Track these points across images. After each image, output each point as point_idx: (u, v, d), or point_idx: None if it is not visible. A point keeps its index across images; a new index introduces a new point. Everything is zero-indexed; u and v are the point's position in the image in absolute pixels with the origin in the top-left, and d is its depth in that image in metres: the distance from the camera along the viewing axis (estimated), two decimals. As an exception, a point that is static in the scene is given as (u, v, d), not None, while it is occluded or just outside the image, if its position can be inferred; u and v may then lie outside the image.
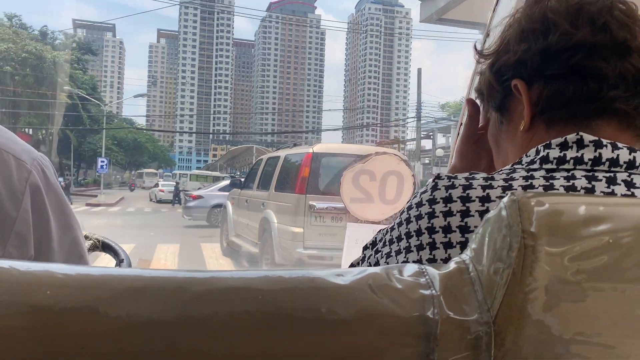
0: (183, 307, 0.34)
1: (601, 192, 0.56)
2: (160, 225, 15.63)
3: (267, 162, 7.72)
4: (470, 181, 0.59)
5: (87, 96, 32.72)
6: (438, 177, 0.62)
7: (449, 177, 0.61)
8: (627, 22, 0.60)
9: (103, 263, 0.84)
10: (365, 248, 0.73)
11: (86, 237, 1.17)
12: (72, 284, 0.35)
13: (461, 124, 1.20)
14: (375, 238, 0.71)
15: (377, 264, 0.67)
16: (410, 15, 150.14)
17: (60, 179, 29.54)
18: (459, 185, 0.59)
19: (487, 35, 1.40)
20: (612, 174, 0.57)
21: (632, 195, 0.56)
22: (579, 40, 0.60)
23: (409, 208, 0.63)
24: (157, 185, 30.45)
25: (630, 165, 0.58)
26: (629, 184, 0.57)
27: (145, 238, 11.53)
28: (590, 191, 0.56)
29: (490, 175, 0.60)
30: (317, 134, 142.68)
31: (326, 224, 5.90)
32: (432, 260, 0.59)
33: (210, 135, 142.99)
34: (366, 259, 0.71)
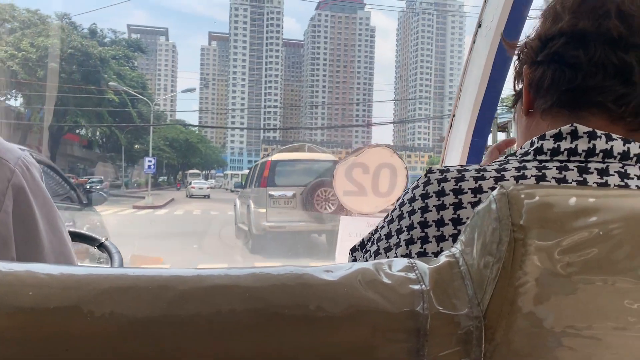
0: (168, 305, 0.34)
1: (594, 182, 0.56)
2: (207, 234, 13.56)
3: (254, 166, 11.02)
4: (462, 173, 0.60)
5: (134, 93, 31.61)
6: (430, 171, 0.62)
7: (441, 171, 0.61)
8: (630, 11, 0.59)
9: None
10: (353, 250, 0.73)
11: (86, 237, 1.23)
12: (55, 284, 0.34)
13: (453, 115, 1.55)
14: (364, 239, 0.71)
15: None
16: (463, 10, 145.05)
17: (98, 183, 28.46)
18: (452, 178, 0.60)
19: (479, 25, 1.45)
20: (604, 165, 0.57)
21: (626, 185, 0.56)
22: (564, 26, 0.61)
23: (401, 205, 0.63)
24: (190, 183, 35.29)
25: (625, 156, 0.57)
26: (623, 175, 0.56)
27: (185, 253, 9.15)
28: (582, 183, 0.56)
29: (482, 167, 0.60)
30: (367, 128, 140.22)
31: (280, 206, 9.05)
32: (422, 254, 0.59)
33: (261, 136, 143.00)
34: (354, 261, 0.71)
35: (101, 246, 1.23)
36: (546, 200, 0.37)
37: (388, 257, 0.62)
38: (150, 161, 25.58)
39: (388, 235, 0.64)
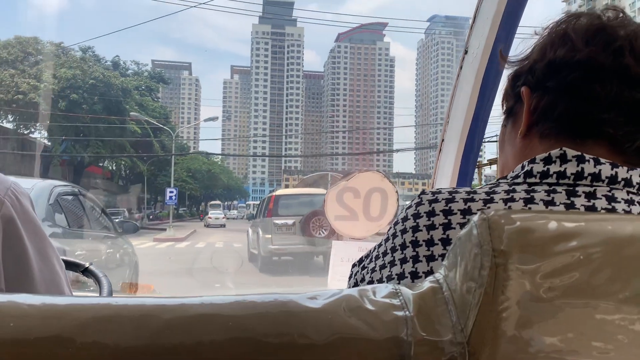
0: (152, 335, 0.33)
1: (582, 205, 0.57)
2: (229, 270, 12.57)
3: (262, 200, 13.65)
4: (453, 195, 0.61)
5: (156, 123, 31.28)
6: (423, 192, 0.64)
7: (433, 192, 0.63)
8: None
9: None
10: (353, 265, 0.74)
11: (71, 263, 1.20)
12: (36, 314, 0.34)
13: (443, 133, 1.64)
14: (363, 256, 0.72)
15: (362, 279, 0.68)
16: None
17: (118, 216, 27.92)
18: (442, 199, 0.61)
19: (465, 52, 1.47)
20: (592, 189, 0.58)
21: (613, 209, 0.57)
22: (581, 58, 0.61)
23: (395, 224, 0.65)
24: (207, 213, 38.80)
25: (612, 180, 0.58)
26: (610, 198, 0.57)
27: (207, 292, 8.33)
28: (570, 206, 0.57)
29: (473, 190, 0.61)
30: (388, 155, 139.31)
31: (283, 232, 10.90)
32: (414, 274, 0.60)
33: (282, 166, 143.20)
34: (353, 275, 0.72)
35: (86, 271, 1.23)
36: (527, 225, 0.37)
37: (382, 275, 0.64)
38: (171, 192, 24.89)
39: (384, 253, 0.65)
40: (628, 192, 0.59)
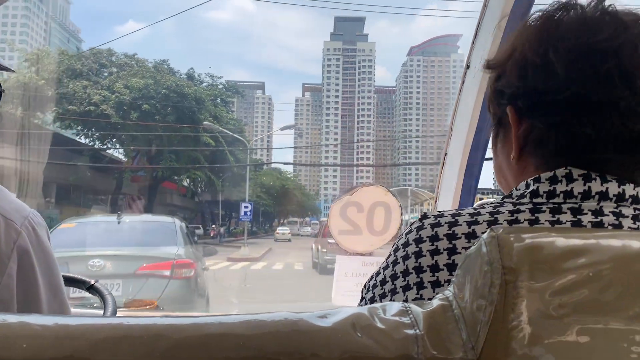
0: (163, 355, 0.33)
1: (589, 222, 0.56)
2: (313, 298, 10.13)
3: (321, 222, 18.61)
4: (456, 218, 0.60)
5: (230, 132, 29.72)
6: (424, 216, 0.62)
7: (435, 216, 0.61)
8: (634, 69, 0.56)
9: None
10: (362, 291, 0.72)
11: (76, 280, 1.20)
12: (48, 335, 0.34)
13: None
14: (362, 288, 0.70)
15: None
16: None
17: (196, 232, 26.59)
18: (445, 223, 0.60)
19: (467, 67, 1.49)
20: (599, 206, 0.57)
21: (620, 224, 0.56)
22: (569, 96, 0.57)
23: (395, 250, 0.63)
24: (276, 230, 42.89)
25: (620, 198, 0.57)
26: (617, 214, 0.56)
27: None
28: (576, 224, 0.56)
29: (476, 211, 0.60)
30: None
31: (334, 247, 11.30)
32: (419, 300, 0.59)
33: (354, 182, 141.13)
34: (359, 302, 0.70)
35: (91, 288, 1.22)
36: (536, 243, 0.37)
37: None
38: (246, 207, 23.06)
39: (383, 282, 0.63)
40: (635, 209, 0.58)
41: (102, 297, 1.18)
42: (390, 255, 0.65)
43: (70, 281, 1.20)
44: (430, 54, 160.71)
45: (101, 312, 1.18)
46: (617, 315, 0.36)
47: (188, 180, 32.61)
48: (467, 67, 1.49)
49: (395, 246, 0.64)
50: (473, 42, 1.48)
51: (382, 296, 0.62)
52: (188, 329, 0.35)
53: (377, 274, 0.66)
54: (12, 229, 0.75)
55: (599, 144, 0.58)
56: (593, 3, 0.61)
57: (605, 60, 0.56)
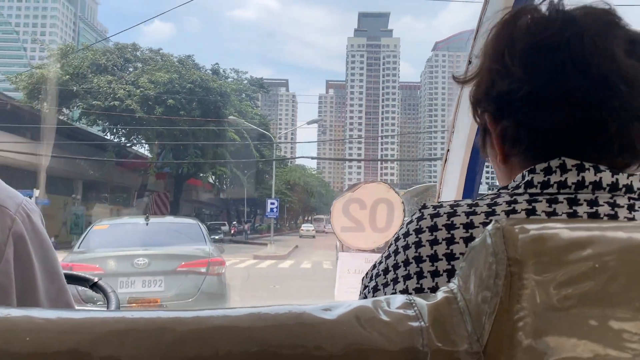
0: (167, 348, 0.33)
1: (584, 213, 0.57)
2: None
3: None
4: (454, 208, 0.61)
5: (255, 127, 28.82)
6: (424, 206, 0.64)
7: (434, 206, 0.63)
8: (586, 58, 0.58)
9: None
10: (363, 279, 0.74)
11: (79, 278, 1.22)
12: (52, 328, 0.34)
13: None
14: (364, 277, 0.72)
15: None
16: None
17: (218, 231, 26.17)
18: (444, 213, 0.61)
19: (469, 62, 1.47)
20: (594, 196, 0.58)
21: (616, 215, 0.57)
22: (525, 94, 0.59)
23: (396, 239, 0.65)
24: (300, 227, 43.93)
25: (614, 187, 0.58)
26: (612, 204, 0.57)
27: None
28: (572, 214, 0.57)
29: (474, 202, 0.61)
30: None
31: None
32: (419, 290, 0.60)
33: (378, 177, 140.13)
34: (361, 292, 0.72)
35: (94, 286, 1.22)
36: (541, 234, 0.37)
37: (386, 294, 0.63)
38: (272, 203, 22.52)
39: (385, 271, 0.65)
40: (629, 198, 0.58)
41: (106, 295, 1.19)
42: (391, 244, 0.66)
43: (73, 279, 1.20)
44: (456, 49, 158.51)
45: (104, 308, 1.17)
46: (622, 307, 0.36)
47: (213, 177, 32.26)
48: (469, 62, 1.49)
49: (396, 236, 0.65)
50: (475, 38, 1.48)
51: (385, 285, 0.64)
52: (192, 322, 0.35)
53: (380, 262, 0.67)
54: (6, 216, 0.75)
55: (569, 132, 0.59)
56: (546, 4, 0.63)
57: (557, 54, 0.58)
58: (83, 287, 1.23)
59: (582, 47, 0.58)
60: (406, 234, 0.63)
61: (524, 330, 0.35)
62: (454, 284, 0.39)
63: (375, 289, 0.65)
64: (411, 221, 0.63)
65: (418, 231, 0.61)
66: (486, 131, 0.69)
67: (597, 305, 0.36)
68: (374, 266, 0.68)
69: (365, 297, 0.67)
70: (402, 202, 2.28)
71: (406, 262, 0.61)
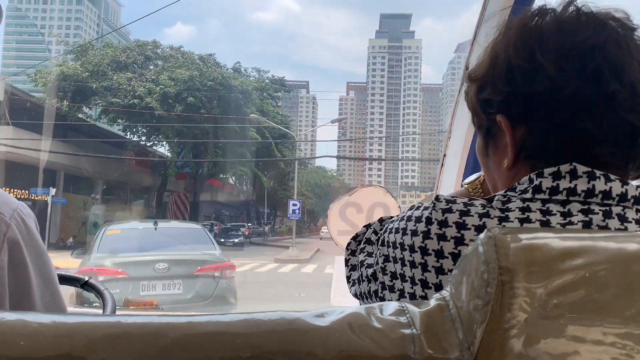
0: (160, 354, 0.34)
1: (597, 225, 0.56)
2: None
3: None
4: (468, 207, 0.59)
5: (277, 125, 28.01)
6: (437, 199, 0.62)
7: (448, 201, 0.60)
8: (621, 63, 0.57)
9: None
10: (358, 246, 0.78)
11: (69, 278, 1.19)
12: (46, 332, 0.34)
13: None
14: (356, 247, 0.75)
15: (374, 275, 0.68)
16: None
17: (238, 233, 25.41)
18: (457, 210, 0.59)
19: (467, 68, 1.44)
20: (607, 208, 0.57)
21: (626, 229, 0.56)
22: (568, 95, 0.57)
23: (408, 219, 0.62)
24: (321, 229, 42.01)
25: (622, 198, 0.57)
26: (622, 218, 0.57)
27: None
28: (587, 225, 0.56)
29: (487, 203, 0.59)
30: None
31: None
32: (423, 282, 0.59)
33: (399, 182, 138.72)
34: (359, 267, 0.73)
35: (85, 285, 1.21)
36: (532, 243, 0.38)
37: (395, 269, 0.63)
38: (295, 204, 21.71)
39: (394, 245, 0.64)
40: (637, 211, 0.58)
41: (99, 293, 1.19)
42: (402, 220, 0.64)
43: (64, 279, 1.18)
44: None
45: (100, 311, 1.17)
46: (613, 316, 0.37)
47: (233, 177, 31.67)
48: (467, 68, 1.46)
49: (408, 214, 0.63)
50: (472, 44, 1.48)
51: (395, 261, 0.63)
52: (185, 327, 0.35)
53: (385, 231, 0.67)
54: (1, 222, 0.75)
55: (598, 139, 0.58)
56: (564, 6, 0.61)
57: (593, 57, 0.57)
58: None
59: (616, 52, 0.57)
60: (418, 219, 0.61)
61: (515, 339, 0.35)
62: (446, 292, 0.39)
63: (384, 270, 0.64)
64: (425, 208, 0.61)
65: (428, 221, 0.59)
66: (490, 134, 0.66)
67: (588, 314, 0.36)
68: (374, 231, 0.70)
69: (374, 274, 0.67)
70: (399, 207, 2.23)
71: (412, 248, 0.60)
